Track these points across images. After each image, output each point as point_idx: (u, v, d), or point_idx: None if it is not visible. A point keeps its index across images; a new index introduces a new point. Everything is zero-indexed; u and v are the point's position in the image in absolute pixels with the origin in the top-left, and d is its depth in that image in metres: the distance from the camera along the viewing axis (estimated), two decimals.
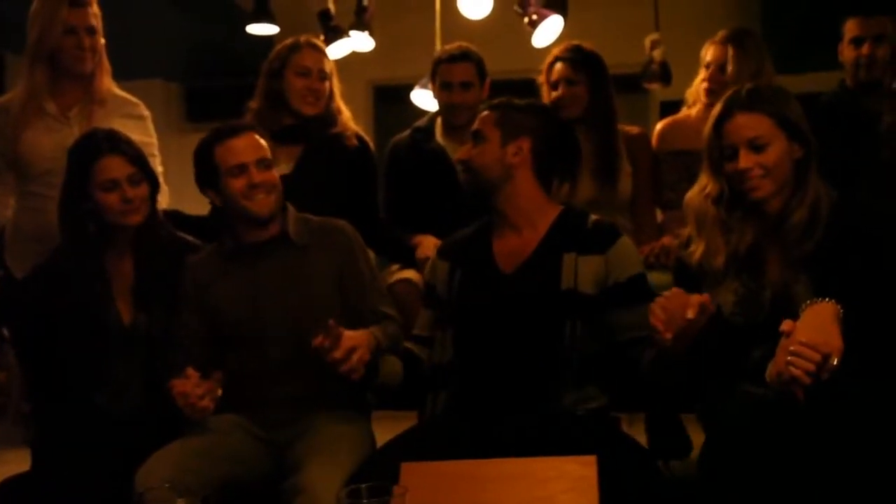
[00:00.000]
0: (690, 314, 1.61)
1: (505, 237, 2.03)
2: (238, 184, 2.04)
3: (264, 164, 2.07)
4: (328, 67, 2.71)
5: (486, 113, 2.07)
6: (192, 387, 1.84)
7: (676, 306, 1.64)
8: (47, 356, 2.18)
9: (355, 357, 1.79)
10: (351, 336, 1.81)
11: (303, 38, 2.72)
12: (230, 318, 2.08)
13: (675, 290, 1.69)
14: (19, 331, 2.51)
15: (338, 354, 1.78)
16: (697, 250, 1.86)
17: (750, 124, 1.78)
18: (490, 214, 2.07)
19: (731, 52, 2.78)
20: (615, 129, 2.75)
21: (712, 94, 2.78)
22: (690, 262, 1.86)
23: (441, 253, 2.14)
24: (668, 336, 1.63)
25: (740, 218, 1.82)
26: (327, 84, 2.69)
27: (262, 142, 2.11)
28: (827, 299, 1.58)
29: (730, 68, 2.77)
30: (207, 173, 2.08)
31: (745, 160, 1.77)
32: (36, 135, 2.48)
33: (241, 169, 2.05)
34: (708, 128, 1.85)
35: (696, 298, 1.64)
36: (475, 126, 2.07)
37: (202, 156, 2.08)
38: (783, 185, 1.79)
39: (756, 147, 1.77)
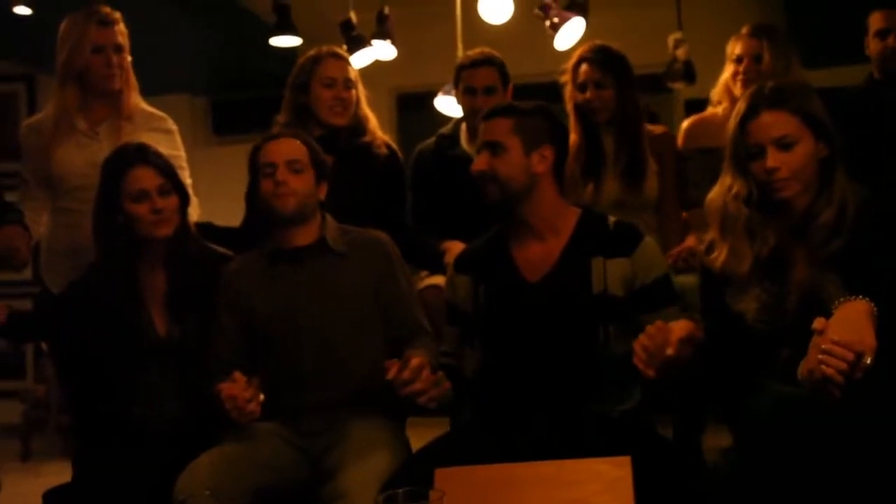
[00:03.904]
0: (670, 351, 1.63)
1: (526, 245, 1.99)
2: (267, 182, 2.10)
3: (294, 166, 2.11)
4: (353, 75, 2.73)
5: (498, 121, 1.97)
6: (239, 390, 1.86)
7: (658, 343, 1.65)
8: (85, 369, 2.22)
9: (434, 390, 1.80)
10: (424, 365, 1.80)
11: (325, 49, 2.74)
12: (266, 323, 2.11)
13: (658, 324, 1.68)
14: (57, 345, 2.56)
15: (420, 386, 1.77)
16: (720, 255, 1.82)
17: (777, 123, 1.74)
18: (504, 223, 2.03)
19: (765, 43, 2.78)
20: (641, 131, 2.75)
21: (748, 84, 2.76)
22: (714, 268, 1.83)
23: (458, 267, 2.09)
24: (651, 373, 1.66)
25: (762, 221, 1.78)
26: (353, 92, 2.71)
27: (302, 148, 2.15)
28: (860, 297, 1.55)
29: (766, 58, 2.76)
30: (255, 173, 2.14)
31: (773, 159, 1.73)
32: (67, 152, 2.53)
33: (271, 168, 2.10)
34: (732, 125, 1.81)
35: (677, 333, 1.65)
36: (489, 136, 1.97)
37: (251, 159, 2.16)
38: (808, 185, 1.76)
39: (784, 146, 1.73)
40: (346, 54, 2.82)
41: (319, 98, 2.67)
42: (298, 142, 2.16)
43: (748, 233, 1.79)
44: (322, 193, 2.19)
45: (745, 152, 1.78)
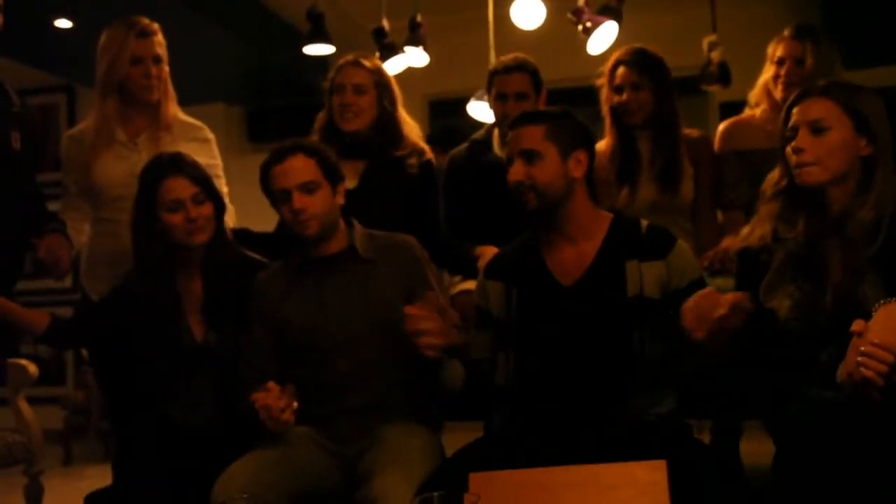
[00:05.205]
0: (721, 311, 1.61)
1: (558, 250, 1.98)
2: (284, 209, 2.07)
3: (307, 188, 2.04)
4: (367, 80, 2.68)
5: (529, 128, 1.94)
6: (273, 400, 1.87)
7: (707, 306, 1.64)
8: (124, 375, 2.25)
9: (438, 337, 1.79)
10: (439, 318, 1.81)
11: (350, 57, 2.73)
12: (298, 332, 2.12)
13: (707, 290, 1.68)
14: (97, 351, 2.61)
15: (427, 325, 1.77)
16: (749, 233, 1.85)
17: (816, 107, 1.76)
18: (536, 228, 2.02)
19: (808, 46, 2.74)
20: (678, 134, 2.73)
21: (790, 87, 2.73)
22: (745, 247, 1.86)
23: (490, 273, 2.07)
24: (700, 335, 1.64)
25: (792, 210, 1.79)
26: (365, 98, 2.67)
27: (309, 163, 2.07)
28: None
29: (809, 61, 2.73)
30: (270, 196, 2.12)
31: (801, 140, 1.75)
32: (107, 162, 2.57)
33: (285, 195, 2.05)
34: (781, 114, 1.84)
35: (727, 298, 1.63)
36: (523, 144, 1.93)
37: (262, 181, 2.11)
38: (839, 177, 1.74)
39: (816, 129, 1.74)
40: (370, 62, 2.76)
41: (332, 104, 2.70)
42: (303, 156, 2.07)
43: (776, 219, 1.80)
44: (341, 198, 2.14)
45: (784, 137, 1.79)
